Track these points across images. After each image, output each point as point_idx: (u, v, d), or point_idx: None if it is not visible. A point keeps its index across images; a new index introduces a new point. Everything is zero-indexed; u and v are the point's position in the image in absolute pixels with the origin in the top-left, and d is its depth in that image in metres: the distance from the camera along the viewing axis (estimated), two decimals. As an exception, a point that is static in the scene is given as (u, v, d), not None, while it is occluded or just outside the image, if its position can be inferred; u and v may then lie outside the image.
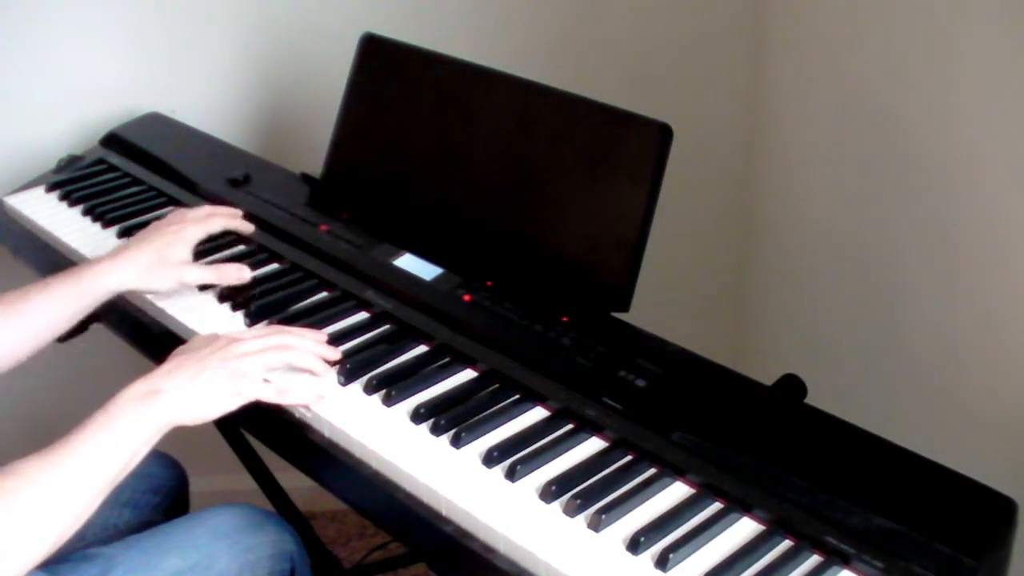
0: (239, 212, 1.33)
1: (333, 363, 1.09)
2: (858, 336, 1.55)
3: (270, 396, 1.03)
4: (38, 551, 0.90)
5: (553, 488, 0.92)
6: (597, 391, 1.02)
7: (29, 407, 1.83)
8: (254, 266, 1.28)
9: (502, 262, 1.22)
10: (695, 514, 0.90)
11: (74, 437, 0.93)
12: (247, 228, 1.32)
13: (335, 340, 1.13)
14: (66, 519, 0.91)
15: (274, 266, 1.31)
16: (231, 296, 1.22)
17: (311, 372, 1.07)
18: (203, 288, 1.24)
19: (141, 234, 1.24)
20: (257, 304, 1.20)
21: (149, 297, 1.23)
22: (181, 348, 1.05)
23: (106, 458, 0.93)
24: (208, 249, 1.30)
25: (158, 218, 1.42)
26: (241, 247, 1.34)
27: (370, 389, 1.06)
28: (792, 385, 1.03)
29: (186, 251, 1.22)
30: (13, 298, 1.14)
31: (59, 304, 1.15)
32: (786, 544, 0.87)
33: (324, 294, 1.24)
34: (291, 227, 1.35)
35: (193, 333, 1.18)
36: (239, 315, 1.20)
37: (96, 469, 0.93)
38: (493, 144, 1.25)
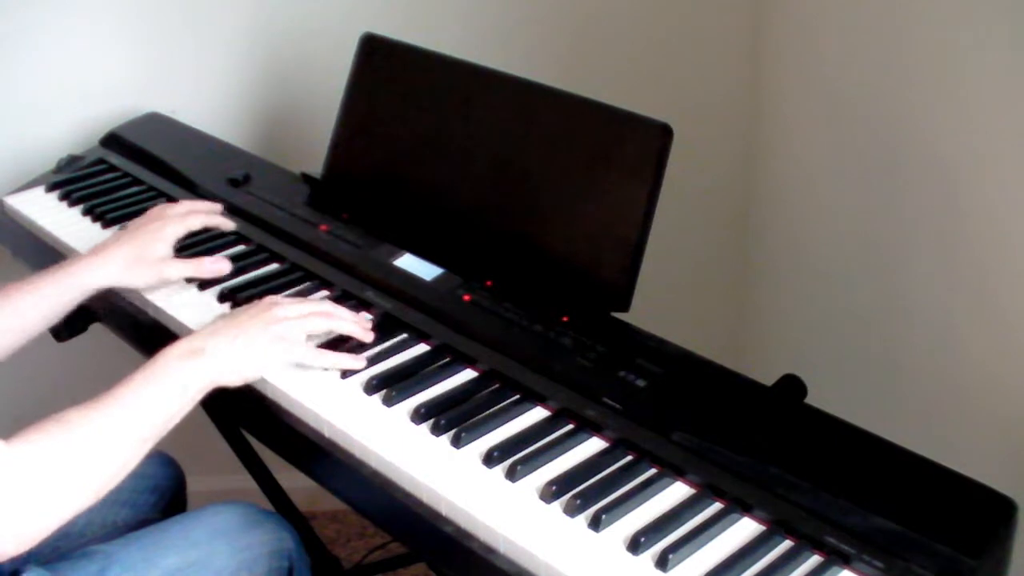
0: (219, 207, 1.34)
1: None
2: (858, 336, 1.55)
3: (310, 359, 1.07)
4: (78, 500, 0.92)
5: (553, 488, 0.91)
6: (597, 391, 1.02)
7: (29, 407, 1.83)
8: (254, 266, 1.28)
9: (502, 262, 1.22)
10: (695, 514, 0.90)
11: (118, 390, 0.96)
12: (227, 224, 1.33)
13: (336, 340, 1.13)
14: (106, 470, 0.94)
15: (274, 266, 1.30)
16: (231, 296, 1.22)
17: (353, 337, 1.10)
18: (203, 288, 1.24)
19: (121, 232, 1.26)
20: (257, 304, 1.20)
21: (149, 297, 1.23)
22: (224, 313, 1.10)
23: (149, 412, 0.96)
24: (195, 243, 1.30)
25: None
26: (241, 247, 1.34)
27: (370, 389, 1.06)
28: (792, 385, 1.03)
29: (166, 248, 1.23)
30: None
31: (42, 303, 1.16)
32: (786, 544, 0.87)
33: (324, 294, 1.24)
34: (291, 227, 1.35)
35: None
36: (239, 315, 1.20)
37: (139, 422, 0.96)
38: (493, 144, 1.25)
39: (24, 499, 0.89)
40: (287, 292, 1.23)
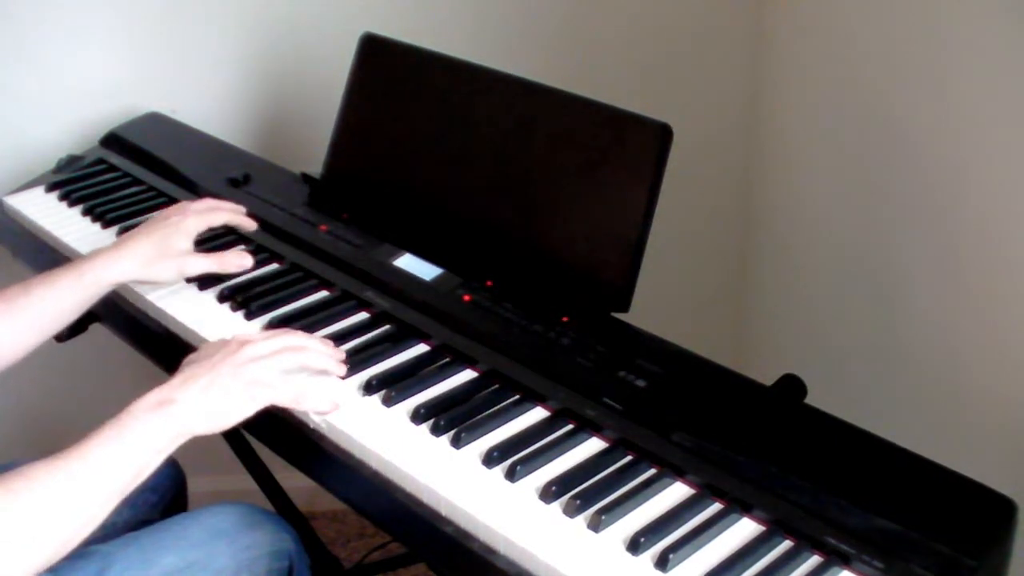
0: (242, 208, 1.33)
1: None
2: (858, 336, 1.55)
3: (286, 401, 1.02)
4: (40, 557, 0.89)
5: (553, 488, 0.91)
6: (597, 391, 1.02)
7: (29, 407, 1.83)
8: (254, 266, 1.28)
9: (502, 262, 1.22)
10: (695, 514, 0.90)
11: (85, 444, 0.92)
12: (249, 224, 1.32)
13: (335, 340, 1.13)
14: (70, 526, 0.90)
15: (274, 266, 1.30)
16: (231, 296, 1.22)
17: (326, 373, 1.06)
18: (203, 287, 1.24)
19: (142, 226, 1.24)
20: (257, 304, 1.20)
21: (149, 297, 1.23)
22: (193, 356, 1.04)
23: (116, 468, 0.92)
24: (208, 244, 1.30)
25: (158, 218, 1.42)
26: (241, 247, 1.33)
27: (370, 389, 1.06)
28: (792, 385, 1.03)
29: (187, 242, 1.22)
30: (14, 293, 1.13)
31: (61, 297, 1.14)
32: (786, 544, 0.87)
33: (324, 294, 1.24)
34: (291, 227, 1.35)
35: (193, 332, 1.18)
36: (239, 315, 1.20)
37: (105, 478, 0.92)
38: (493, 144, 1.25)
39: None
40: (287, 292, 1.24)
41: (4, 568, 0.87)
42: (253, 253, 1.32)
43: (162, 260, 1.19)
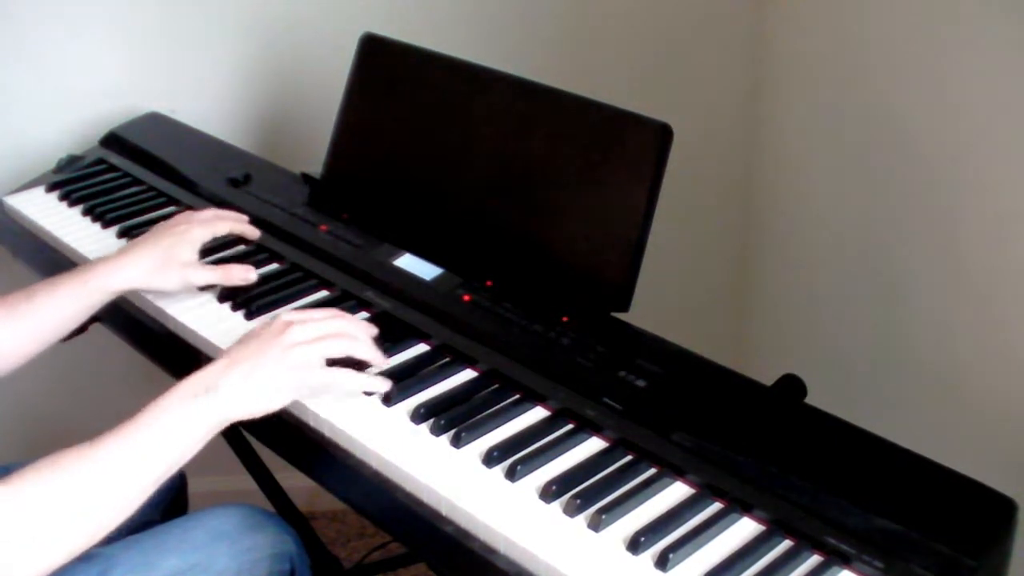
0: (245, 217, 1.33)
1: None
2: (858, 336, 1.55)
3: (332, 388, 1.03)
4: (74, 544, 0.89)
5: (553, 488, 0.91)
6: (597, 391, 1.02)
7: (29, 407, 1.83)
8: (254, 266, 1.28)
9: (502, 262, 1.22)
10: (695, 514, 0.90)
11: (120, 431, 0.92)
12: (253, 233, 1.32)
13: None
14: (105, 514, 0.90)
15: (274, 266, 1.30)
16: (231, 296, 1.22)
17: (370, 362, 1.06)
18: (203, 287, 1.24)
19: (147, 234, 1.24)
20: (257, 304, 1.20)
21: (149, 297, 1.23)
22: (236, 341, 1.04)
23: (151, 456, 0.92)
24: (212, 251, 1.30)
25: (159, 218, 1.42)
26: (241, 247, 1.34)
27: (370, 389, 1.06)
28: (792, 385, 1.03)
29: (191, 252, 1.22)
30: (17, 299, 1.14)
31: (64, 304, 1.15)
32: (786, 544, 0.87)
33: (324, 294, 1.24)
34: (291, 227, 1.35)
35: (193, 332, 1.18)
36: (239, 315, 1.20)
37: (139, 466, 0.92)
38: (493, 144, 1.25)
39: (16, 543, 0.86)
40: (287, 292, 1.24)
41: (37, 554, 0.87)
42: (254, 253, 1.32)
43: (167, 269, 1.19)
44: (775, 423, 0.99)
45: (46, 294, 1.14)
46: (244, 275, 1.22)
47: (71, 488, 0.89)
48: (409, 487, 0.96)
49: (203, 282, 1.21)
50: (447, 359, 1.11)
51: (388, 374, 1.07)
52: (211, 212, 1.30)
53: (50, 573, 0.88)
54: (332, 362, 1.03)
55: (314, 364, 1.01)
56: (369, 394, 1.05)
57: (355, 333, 1.06)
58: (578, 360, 1.07)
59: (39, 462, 0.89)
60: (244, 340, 1.03)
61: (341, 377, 1.03)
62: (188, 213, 1.29)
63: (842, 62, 1.53)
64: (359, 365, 1.06)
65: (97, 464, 0.90)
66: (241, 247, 1.34)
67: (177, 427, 0.94)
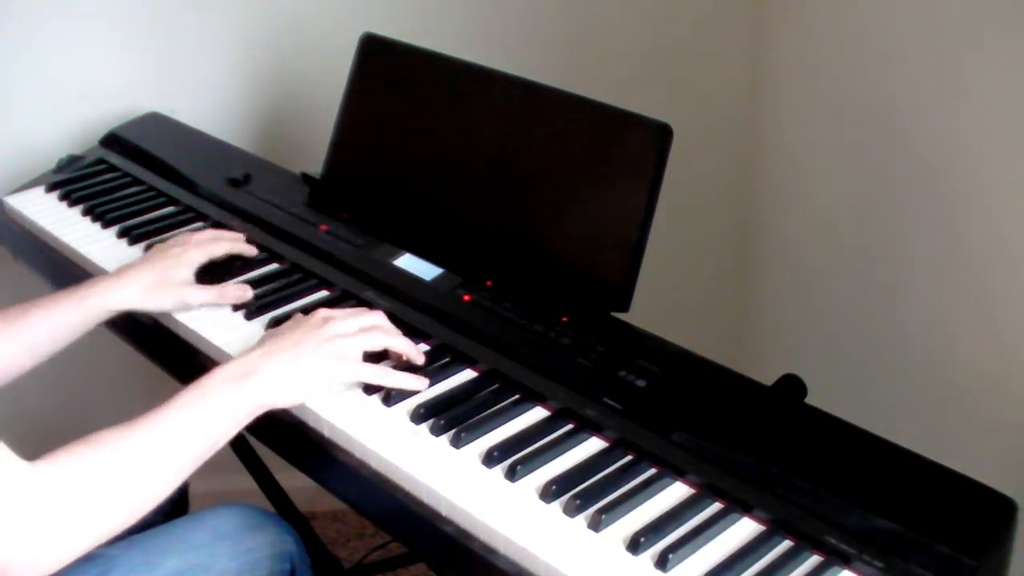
0: (242, 236, 1.33)
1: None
2: (858, 336, 1.55)
3: (372, 378, 1.04)
4: (104, 527, 0.89)
5: (553, 488, 0.92)
6: (597, 391, 1.02)
7: (29, 407, 1.83)
8: (254, 266, 1.28)
9: (502, 262, 1.22)
10: (695, 514, 0.90)
11: (159, 412, 0.93)
12: (250, 251, 1.32)
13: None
14: (136, 497, 0.91)
15: (274, 266, 1.31)
16: (231, 296, 1.22)
17: (409, 358, 1.08)
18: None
19: (145, 255, 1.26)
20: (257, 304, 1.20)
21: (149, 297, 1.23)
22: (273, 330, 1.07)
23: (189, 437, 0.94)
24: (211, 267, 1.29)
25: (158, 218, 1.43)
26: (240, 261, 1.33)
27: (370, 389, 1.06)
28: (792, 385, 1.03)
29: (188, 273, 1.23)
30: (13, 314, 1.15)
31: (60, 320, 1.15)
32: (786, 544, 0.87)
33: (324, 294, 1.24)
34: (291, 227, 1.35)
35: (193, 333, 1.18)
36: (239, 315, 1.20)
37: (177, 447, 0.93)
38: (493, 144, 1.25)
39: (46, 525, 0.85)
40: (287, 292, 1.24)
41: (66, 536, 0.87)
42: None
43: (163, 290, 1.20)
44: (775, 423, 0.99)
45: (43, 311, 1.15)
46: (240, 294, 1.22)
47: (111, 465, 0.90)
48: (409, 487, 0.96)
49: (199, 302, 1.21)
50: (447, 359, 1.11)
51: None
52: (208, 233, 1.30)
53: (85, 552, 0.88)
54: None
55: (353, 357, 1.04)
56: (402, 393, 1.05)
57: (389, 326, 1.08)
58: (578, 360, 1.07)
59: (77, 441, 0.89)
60: (281, 331, 1.06)
61: (378, 373, 1.05)
62: (186, 235, 1.30)
63: (842, 62, 1.53)
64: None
65: (136, 443, 0.91)
66: (241, 265, 1.33)
67: (214, 410, 0.96)
